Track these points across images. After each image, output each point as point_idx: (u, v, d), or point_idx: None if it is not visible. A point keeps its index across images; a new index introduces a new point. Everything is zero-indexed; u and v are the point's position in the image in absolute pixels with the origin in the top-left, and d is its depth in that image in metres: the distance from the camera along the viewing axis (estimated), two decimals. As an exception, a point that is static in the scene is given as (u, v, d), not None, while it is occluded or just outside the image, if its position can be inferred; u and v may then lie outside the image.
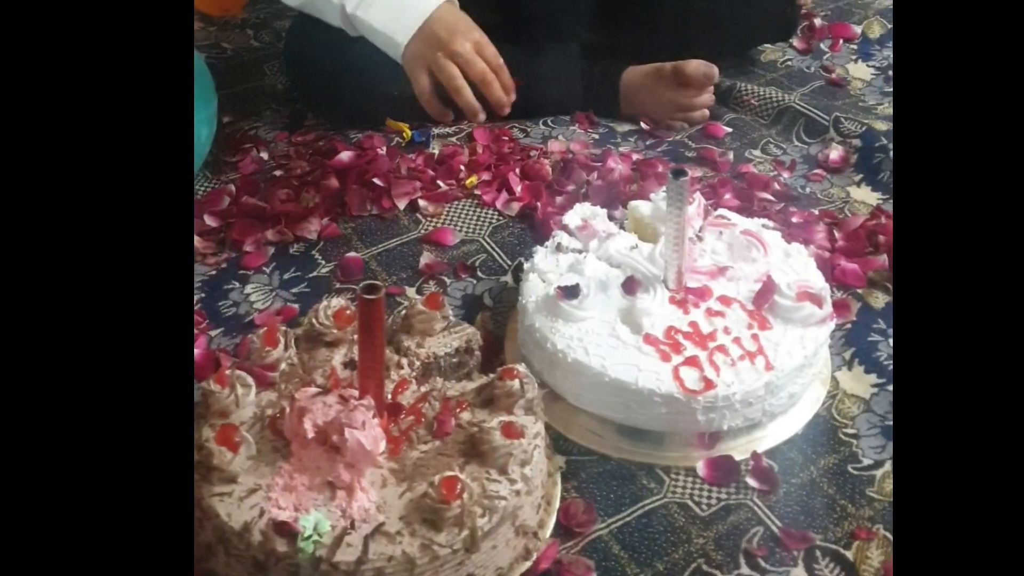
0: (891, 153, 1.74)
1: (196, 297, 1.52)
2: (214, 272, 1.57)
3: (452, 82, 1.58)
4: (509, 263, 1.59)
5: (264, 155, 1.83)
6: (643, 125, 1.90)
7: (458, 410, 1.20)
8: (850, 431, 1.32)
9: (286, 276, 1.58)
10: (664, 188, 1.35)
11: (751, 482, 1.25)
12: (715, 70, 1.85)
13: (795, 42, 2.13)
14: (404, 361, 1.26)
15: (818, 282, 1.36)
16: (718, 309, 1.33)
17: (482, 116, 1.61)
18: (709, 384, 1.24)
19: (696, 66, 1.84)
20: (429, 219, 1.69)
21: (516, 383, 1.19)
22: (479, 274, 1.57)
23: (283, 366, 1.24)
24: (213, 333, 1.46)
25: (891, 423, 1.32)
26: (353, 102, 1.84)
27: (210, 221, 1.65)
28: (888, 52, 2.11)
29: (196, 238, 1.61)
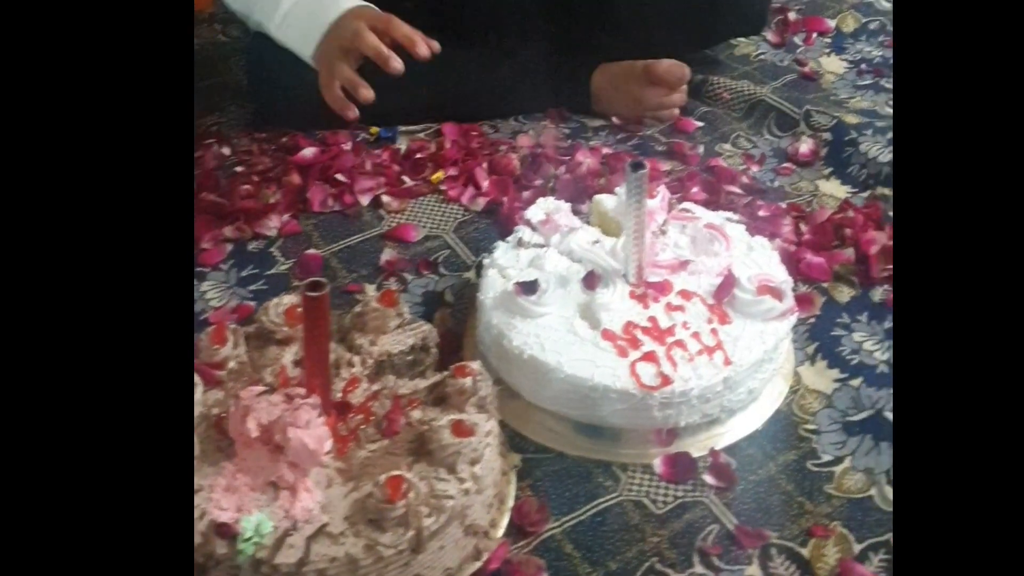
0: (861, 147, 1.72)
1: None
2: (171, 269, 1.55)
3: (324, 81, 1.54)
4: (473, 259, 1.57)
5: (226, 150, 1.80)
6: (615, 121, 1.87)
7: (409, 408, 1.18)
8: (810, 427, 1.30)
9: (244, 273, 1.56)
10: (628, 182, 1.33)
11: (708, 479, 1.23)
12: (687, 70, 1.82)
13: (768, 35, 2.10)
14: (356, 359, 1.25)
15: (779, 276, 1.34)
16: (678, 303, 1.31)
17: (351, 115, 1.54)
18: (666, 380, 1.22)
19: (668, 66, 1.81)
20: (393, 215, 1.66)
21: (468, 380, 1.17)
22: (442, 270, 1.55)
23: (232, 364, 1.23)
24: (168, 331, 1.44)
25: (852, 419, 1.30)
26: (313, 113, 1.81)
27: (169, 218, 1.62)
28: (861, 46, 2.08)
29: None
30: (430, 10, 1.74)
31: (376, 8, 1.59)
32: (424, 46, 1.51)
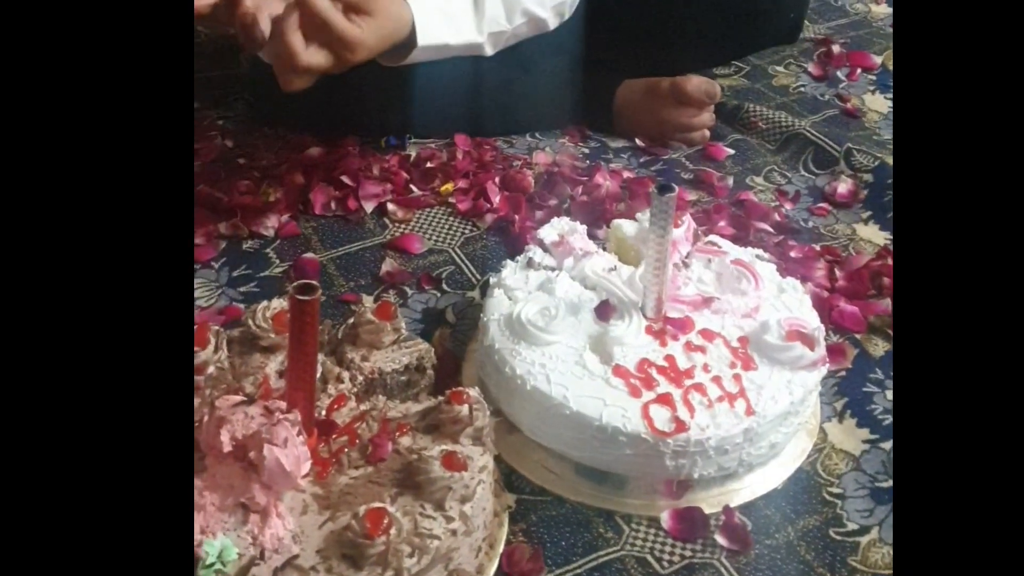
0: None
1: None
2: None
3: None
4: (479, 277, 1.49)
5: (229, 143, 1.73)
6: (638, 142, 1.78)
7: (398, 434, 1.09)
8: (835, 490, 1.21)
9: (235, 273, 1.48)
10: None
11: (720, 540, 1.14)
12: (717, 88, 1.74)
13: (810, 68, 2.02)
14: (345, 375, 1.17)
15: (812, 322, 1.25)
16: (699, 344, 1.23)
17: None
18: (681, 426, 1.13)
19: (697, 83, 1.72)
20: (397, 224, 1.58)
21: (465, 408, 1.09)
22: (444, 287, 1.47)
23: (211, 369, 1.14)
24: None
25: (882, 485, 1.21)
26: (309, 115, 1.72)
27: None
28: (908, 85, 2.00)
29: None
30: None
31: None
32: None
